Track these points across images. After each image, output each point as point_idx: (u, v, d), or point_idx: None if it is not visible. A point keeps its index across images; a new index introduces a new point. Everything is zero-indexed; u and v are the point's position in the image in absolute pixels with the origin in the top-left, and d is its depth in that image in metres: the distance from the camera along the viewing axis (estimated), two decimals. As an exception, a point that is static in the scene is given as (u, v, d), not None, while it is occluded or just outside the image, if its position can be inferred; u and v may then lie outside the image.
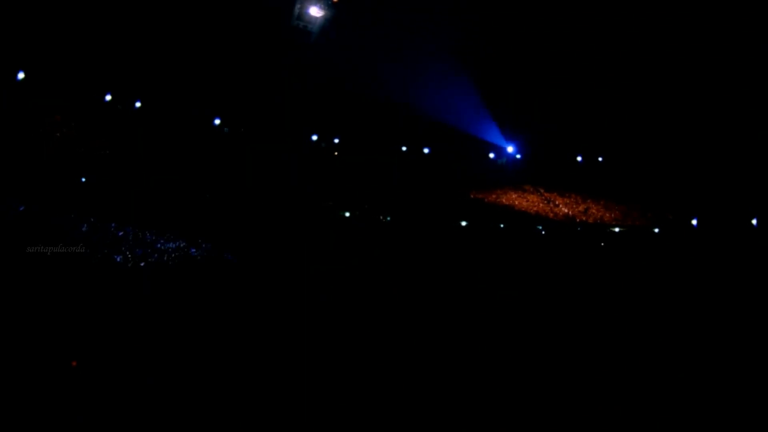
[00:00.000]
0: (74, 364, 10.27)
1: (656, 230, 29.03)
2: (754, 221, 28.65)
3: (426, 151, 33.16)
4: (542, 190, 31.88)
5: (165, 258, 19.34)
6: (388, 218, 30.54)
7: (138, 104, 30.17)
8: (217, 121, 31.75)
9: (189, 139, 29.47)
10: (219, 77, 30.29)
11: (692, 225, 29.28)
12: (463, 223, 29.44)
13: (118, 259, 17.87)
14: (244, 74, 30.59)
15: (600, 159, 32.25)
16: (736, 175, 29.56)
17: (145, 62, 28.54)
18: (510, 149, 32.70)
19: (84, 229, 19.44)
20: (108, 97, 29.88)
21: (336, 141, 35.05)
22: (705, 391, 11.55)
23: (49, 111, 27.57)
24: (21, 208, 18.59)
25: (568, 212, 30.10)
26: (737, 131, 30.00)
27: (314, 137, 34.45)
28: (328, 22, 27.58)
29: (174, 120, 30.34)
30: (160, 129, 29.34)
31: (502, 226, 29.29)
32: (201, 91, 30.23)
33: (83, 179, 24.05)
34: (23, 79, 27.17)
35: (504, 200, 30.96)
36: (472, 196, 31.03)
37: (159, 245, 20.03)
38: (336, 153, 35.91)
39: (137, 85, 29.77)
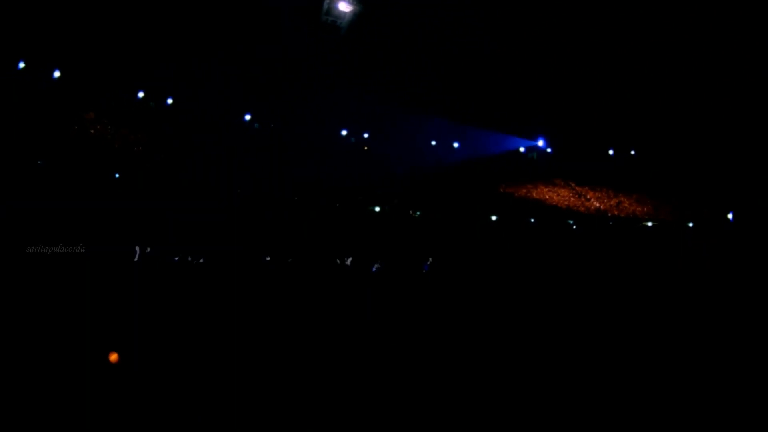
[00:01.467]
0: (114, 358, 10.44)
1: (690, 225, 28.54)
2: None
3: (456, 145, 33.01)
4: (573, 184, 31.52)
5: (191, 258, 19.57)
6: (418, 213, 30.52)
7: (170, 101, 30.57)
8: (248, 117, 32.01)
9: (220, 134, 29.75)
10: (248, 73, 30.48)
11: (728, 220, 28.69)
12: (494, 218, 29.27)
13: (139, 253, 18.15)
14: (273, 70, 30.74)
15: (633, 152, 31.77)
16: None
17: (176, 60, 28.86)
18: (540, 143, 32.40)
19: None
20: (140, 95, 30.34)
21: (366, 135, 35.08)
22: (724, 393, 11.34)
23: (82, 108, 28.07)
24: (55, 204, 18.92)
25: (599, 206, 29.68)
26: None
27: (344, 132, 34.52)
28: (356, 17, 27.56)
29: (205, 116, 30.67)
30: (191, 126, 29.70)
31: (532, 220, 29.07)
32: (230, 87, 30.47)
33: (116, 175, 24.44)
34: (59, 78, 27.72)
35: (534, 195, 30.67)
36: (501, 191, 30.80)
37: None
38: (366, 148, 35.96)
39: (169, 83, 30.15)
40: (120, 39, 27.34)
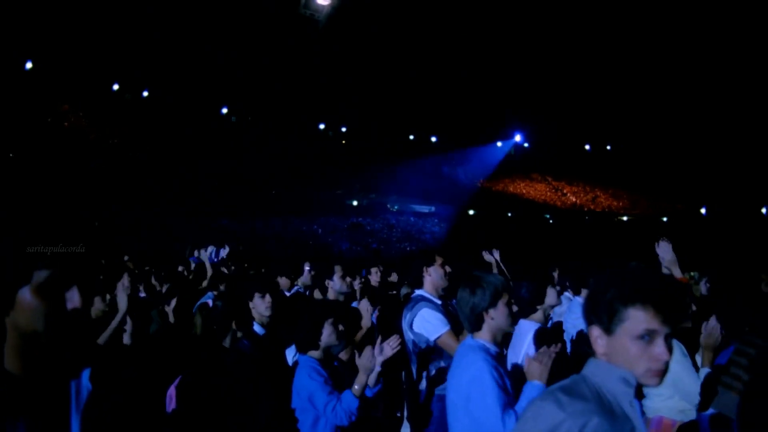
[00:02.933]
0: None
1: (664, 219, 28.96)
2: (764, 210, 28.56)
3: (433, 139, 33.10)
4: (550, 179, 31.78)
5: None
6: (396, 207, 30.59)
7: (146, 93, 30.22)
8: (224, 110, 31.80)
9: (196, 127, 29.51)
10: (225, 65, 30.25)
11: (701, 214, 29.17)
12: (471, 212, 29.43)
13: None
14: (250, 63, 30.53)
15: (608, 147, 32.13)
16: (744, 164, 29.43)
17: (152, 51, 28.52)
18: (518, 138, 32.61)
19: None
20: (115, 87, 29.96)
21: (343, 129, 35.06)
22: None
23: (57, 100, 27.65)
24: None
25: (576, 201, 29.97)
26: (748, 121, 29.86)
27: (321, 126, 34.48)
28: (334, 11, 27.44)
29: (181, 108, 30.37)
30: (167, 117, 29.42)
31: (510, 214, 29.28)
32: (207, 80, 30.21)
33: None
34: (31, 69, 27.23)
35: (512, 189, 30.84)
36: (480, 185, 30.93)
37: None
38: (343, 141, 35.94)
39: (144, 75, 29.80)
40: (94, 30, 26.99)
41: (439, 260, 3.25)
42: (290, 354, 3.20)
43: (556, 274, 4.48)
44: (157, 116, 29.09)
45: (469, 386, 2.12)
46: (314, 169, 29.58)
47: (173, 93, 30.23)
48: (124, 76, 29.58)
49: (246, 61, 30.28)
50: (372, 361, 2.56)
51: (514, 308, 2.41)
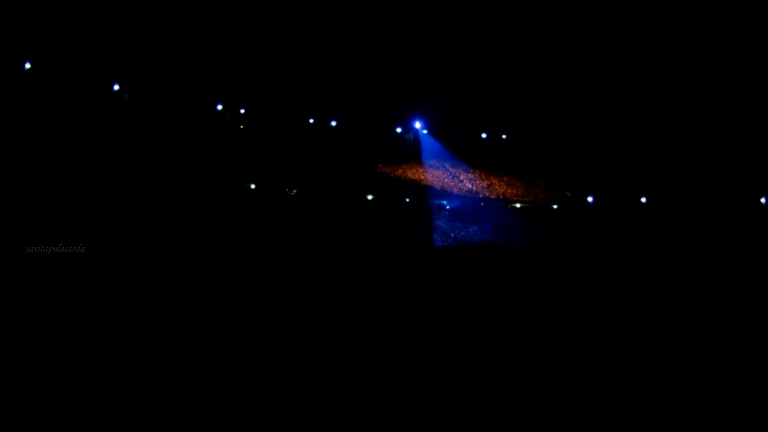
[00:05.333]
0: None
1: (555, 206, 30.21)
2: (643, 199, 30.27)
3: (333, 123, 32.69)
4: (447, 166, 32.30)
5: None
6: (294, 191, 30.04)
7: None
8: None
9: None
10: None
11: (588, 202, 30.57)
12: (370, 197, 29.40)
13: None
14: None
15: (504, 137, 32.92)
16: (628, 156, 31.07)
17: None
18: (417, 125, 32.75)
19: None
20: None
21: (242, 111, 33.86)
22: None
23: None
24: None
25: (471, 187, 30.74)
26: (634, 118, 31.46)
27: (219, 106, 33.12)
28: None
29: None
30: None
31: (408, 200, 29.56)
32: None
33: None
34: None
35: (410, 175, 31.26)
36: (378, 171, 31.12)
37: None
38: (241, 126, 34.72)
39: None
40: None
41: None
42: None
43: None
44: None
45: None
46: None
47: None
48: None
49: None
50: None
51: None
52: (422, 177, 31.11)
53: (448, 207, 29.46)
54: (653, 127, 30.60)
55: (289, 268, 18.76)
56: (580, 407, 10.32)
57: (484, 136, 33.50)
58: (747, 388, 10.93)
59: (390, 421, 9.57)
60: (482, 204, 29.61)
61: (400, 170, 31.26)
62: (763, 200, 28.58)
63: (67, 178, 22.32)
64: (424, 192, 29.88)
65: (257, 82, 31.51)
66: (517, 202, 30.09)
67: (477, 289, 17.00)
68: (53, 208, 19.67)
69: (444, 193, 29.88)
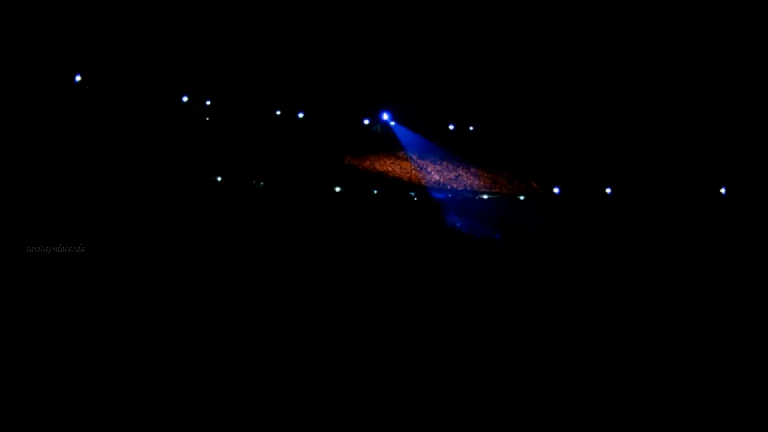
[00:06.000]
0: None
1: (521, 198, 30.51)
2: (608, 190, 30.74)
3: (300, 115, 32.53)
4: (415, 157, 32.39)
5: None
6: (261, 183, 29.88)
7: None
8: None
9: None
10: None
11: (554, 193, 30.95)
12: (338, 189, 29.37)
13: None
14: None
15: (471, 128, 33.09)
16: (594, 148, 31.52)
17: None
18: (385, 117, 32.77)
19: None
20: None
21: (208, 103, 33.47)
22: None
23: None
24: None
25: (439, 179, 30.91)
26: (598, 112, 31.89)
27: (185, 98, 32.71)
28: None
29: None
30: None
31: (375, 192, 29.60)
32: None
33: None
34: None
35: (378, 167, 31.31)
36: (346, 162, 31.12)
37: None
38: (207, 118, 34.33)
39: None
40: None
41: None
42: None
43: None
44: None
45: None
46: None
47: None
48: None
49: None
50: None
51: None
52: (390, 169, 31.19)
53: (415, 198, 29.56)
54: (618, 121, 31.09)
55: (253, 258, 18.73)
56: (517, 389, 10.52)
57: (451, 127, 33.66)
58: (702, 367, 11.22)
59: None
60: (449, 195, 29.79)
61: (368, 162, 31.28)
62: (723, 191, 29.34)
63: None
64: (391, 184, 29.94)
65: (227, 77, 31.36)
66: (484, 193, 30.32)
67: (435, 279, 17.16)
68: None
69: (411, 185, 29.95)
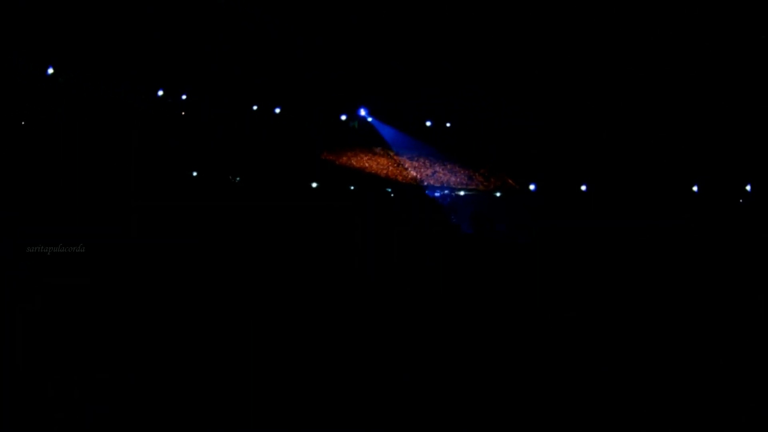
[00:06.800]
0: None
1: (498, 194, 30.74)
2: (583, 187, 31.06)
3: (277, 110, 32.44)
4: (392, 153, 32.49)
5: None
6: (238, 179, 29.74)
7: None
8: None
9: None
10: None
11: (531, 190, 31.22)
12: (314, 185, 29.32)
13: None
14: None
15: (448, 125, 33.22)
16: (570, 146, 31.83)
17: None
18: (362, 112, 32.79)
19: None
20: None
21: (184, 97, 33.25)
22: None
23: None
24: None
25: (416, 175, 31.05)
26: (575, 110, 32.20)
27: (160, 92, 32.43)
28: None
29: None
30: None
31: (352, 188, 29.59)
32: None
33: None
34: None
35: (355, 162, 31.34)
36: (323, 158, 31.12)
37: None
38: (183, 113, 34.11)
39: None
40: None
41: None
42: None
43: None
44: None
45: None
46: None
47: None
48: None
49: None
50: None
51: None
52: (367, 165, 31.20)
53: (392, 195, 29.62)
54: (593, 119, 31.42)
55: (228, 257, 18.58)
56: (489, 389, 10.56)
57: (428, 124, 33.77)
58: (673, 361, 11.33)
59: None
60: (427, 192, 29.90)
61: (345, 158, 31.28)
62: (695, 188, 29.84)
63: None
64: (368, 180, 30.02)
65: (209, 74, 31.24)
66: (461, 190, 30.47)
67: (416, 275, 17.20)
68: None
69: (388, 181, 30.08)
